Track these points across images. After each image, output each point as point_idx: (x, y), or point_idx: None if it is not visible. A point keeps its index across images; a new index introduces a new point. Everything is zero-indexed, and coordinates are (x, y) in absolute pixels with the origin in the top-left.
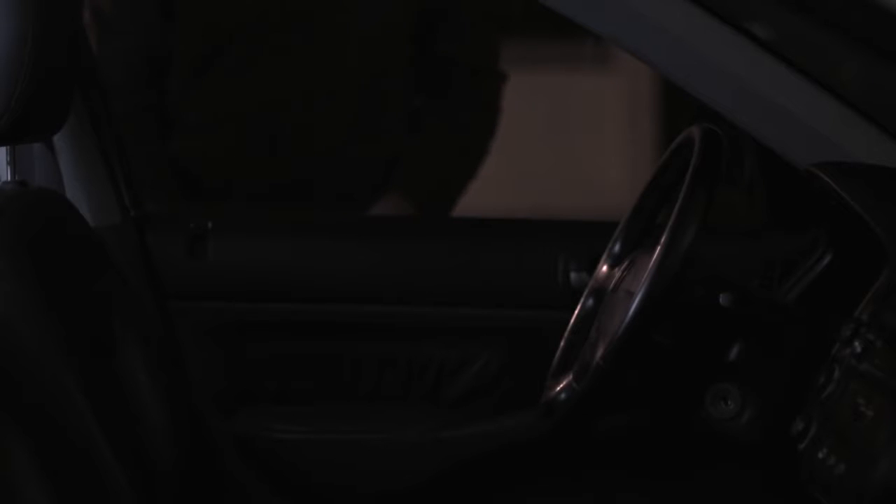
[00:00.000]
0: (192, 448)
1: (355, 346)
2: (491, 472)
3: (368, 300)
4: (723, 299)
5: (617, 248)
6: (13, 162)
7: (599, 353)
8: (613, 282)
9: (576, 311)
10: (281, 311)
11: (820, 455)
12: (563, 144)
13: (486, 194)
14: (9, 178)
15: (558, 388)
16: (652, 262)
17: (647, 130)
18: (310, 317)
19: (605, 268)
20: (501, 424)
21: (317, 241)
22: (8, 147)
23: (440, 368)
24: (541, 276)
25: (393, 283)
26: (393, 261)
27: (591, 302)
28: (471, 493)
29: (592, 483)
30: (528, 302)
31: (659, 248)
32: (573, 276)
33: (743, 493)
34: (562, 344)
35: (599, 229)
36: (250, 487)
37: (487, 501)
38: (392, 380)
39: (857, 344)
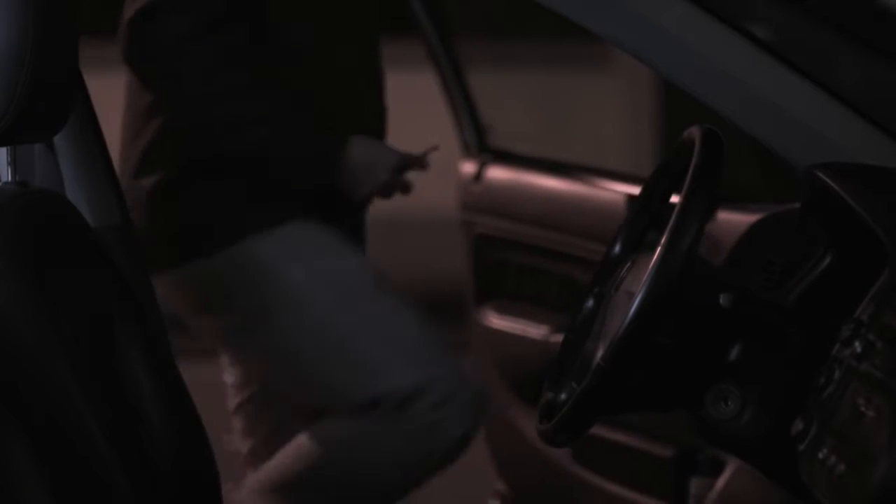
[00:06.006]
0: (192, 448)
1: None
2: None
3: None
4: (723, 299)
5: (618, 248)
6: (13, 162)
7: (599, 353)
8: (614, 282)
9: (576, 312)
10: None
11: (820, 455)
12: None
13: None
14: (9, 179)
15: (558, 389)
16: (652, 262)
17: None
18: None
19: (605, 268)
20: None
21: None
22: (8, 147)
23: None
24: None
25: None
26: None
27: (591, 302)
28: None
29: None
30: None
31: (659, 248)
32: None
33: None
34: (562, 344)
35: None
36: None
37: None
38: None
39: (857, 344)
